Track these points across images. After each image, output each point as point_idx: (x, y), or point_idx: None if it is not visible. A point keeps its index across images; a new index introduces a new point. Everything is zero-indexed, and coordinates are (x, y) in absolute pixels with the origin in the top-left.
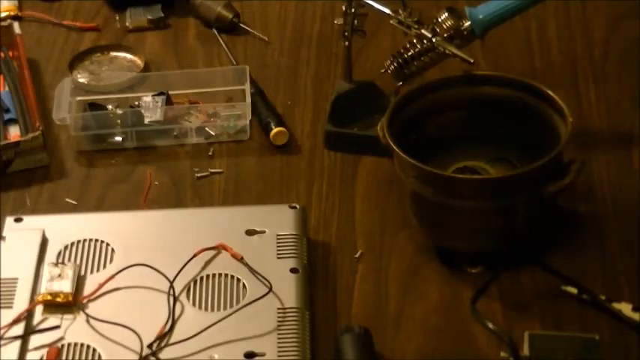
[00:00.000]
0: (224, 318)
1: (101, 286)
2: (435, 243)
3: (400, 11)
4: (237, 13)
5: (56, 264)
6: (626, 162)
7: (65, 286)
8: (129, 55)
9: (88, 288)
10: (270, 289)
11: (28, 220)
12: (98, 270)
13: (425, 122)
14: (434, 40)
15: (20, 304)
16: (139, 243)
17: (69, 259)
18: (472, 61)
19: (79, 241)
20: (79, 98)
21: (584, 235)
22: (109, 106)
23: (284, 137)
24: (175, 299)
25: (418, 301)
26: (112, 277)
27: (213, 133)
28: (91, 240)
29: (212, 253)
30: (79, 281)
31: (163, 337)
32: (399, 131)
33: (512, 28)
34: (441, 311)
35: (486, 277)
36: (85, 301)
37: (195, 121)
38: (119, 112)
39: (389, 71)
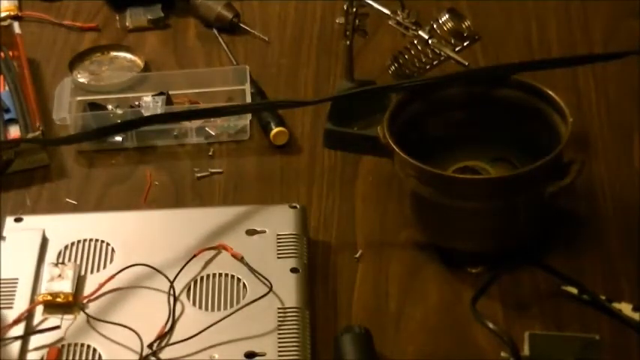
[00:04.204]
0: (224, 318)
1: (101, 286)
2: (435, 243)
3: (398, 12)
4: (237, 13)
5: (56, 264)
6: (626, 162)
7: (65, 286)
8: (129, 55)
9: (88, 288)
10: (271, 289)
11: (28, 220)
12: (98, 270)
13: (425, 122)
14: (430, 42)
15: (20, 304)
16: (139, 243)
17: (69, 259)
18: (467, 63)
19: (79, 241)
20: (79, 98)
21: (584, 235)
22: (109, 106)
23: (284, 137)
24: (175, 299)
25: (418, 301)
26: (112, 277)
27: (213, 133)
28: (91, 240)
29: (212, 253)
30: (79, 281)
31: (164, 337)
32: (399, 131)
33: (512, 28)
34: (441, 311)
35: (486, 277)
36: (85, 301)
37: (195, 121)
38: (119, 112)
39: (389, 71)
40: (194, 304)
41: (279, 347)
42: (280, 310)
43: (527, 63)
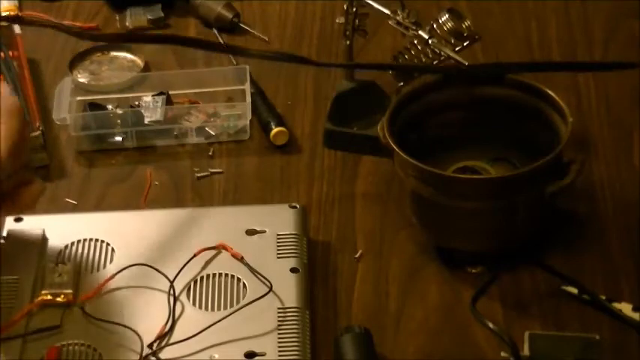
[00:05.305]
0: (224, 318)
1: (101, 285)
2: (435, 243)
3: (398, 12)
4: (237, 13)
5: (56, 264)
6: (626, 162)
7: (65, 286)
8: (129, 55)
9: (88, 288)
10: (271, 289)
11: (28, 220)
12: (98, 270)
13: (425, 122)
14: (430, 42)
15: (20, 304)
16: (139, 243)
17: (69, 259)
18: (466, 63)
19: (79, 241)
20: (79, 98)
21: (584, 235)
22: (109, 106)
23: (284, 137)
24: (175, 299)
25: (418, 301)
26: (112, 277)
27: (213, 133)
28: (91, 240)
29: (212, 252)
30: (79, 281)
31: (163, 336)
32: (399, 131)
33: (512, 28)
34: (441, 311)
35: (486, 277)
36: (85, 300)
37: (195, 121)
38: (119, 112)
39: (389, 72)
40: (194, 304)
41: (279, 347)
42: (280, 310)
43: (528, 64)
